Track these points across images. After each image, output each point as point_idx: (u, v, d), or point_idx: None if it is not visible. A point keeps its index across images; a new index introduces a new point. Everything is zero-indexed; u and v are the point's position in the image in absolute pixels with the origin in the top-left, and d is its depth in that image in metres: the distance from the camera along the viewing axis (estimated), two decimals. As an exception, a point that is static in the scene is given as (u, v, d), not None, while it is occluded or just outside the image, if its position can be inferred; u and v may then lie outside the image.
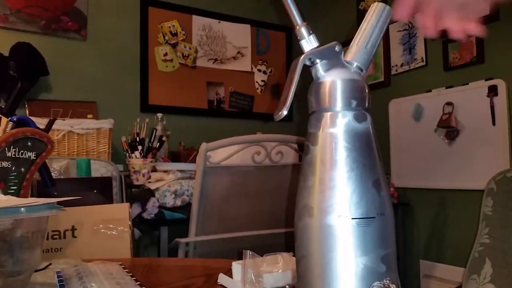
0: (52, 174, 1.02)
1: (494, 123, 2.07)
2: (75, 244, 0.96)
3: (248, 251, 0.56)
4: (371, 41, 0.40)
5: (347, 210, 0.35)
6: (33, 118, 0.92)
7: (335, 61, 0.39)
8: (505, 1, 0.49)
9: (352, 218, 0.35)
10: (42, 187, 1.25)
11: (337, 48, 0.39)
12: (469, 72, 2.18)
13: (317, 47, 0.39)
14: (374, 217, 0.35)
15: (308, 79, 0.41)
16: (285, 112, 0.37)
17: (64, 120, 1.89)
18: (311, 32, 0.39)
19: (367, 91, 0.39)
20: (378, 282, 0.55)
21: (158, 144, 2.08)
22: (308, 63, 0.39)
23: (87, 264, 0.69)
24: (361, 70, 0.39)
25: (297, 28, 0.40)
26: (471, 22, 0.46)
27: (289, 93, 0.38)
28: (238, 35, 2.90)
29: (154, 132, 2.08)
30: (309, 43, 0.39)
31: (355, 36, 0.41)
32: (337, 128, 0.37)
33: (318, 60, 0.39)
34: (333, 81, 0.38)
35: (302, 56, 0.38)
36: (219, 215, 1.52)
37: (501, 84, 2.03)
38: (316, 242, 0.36)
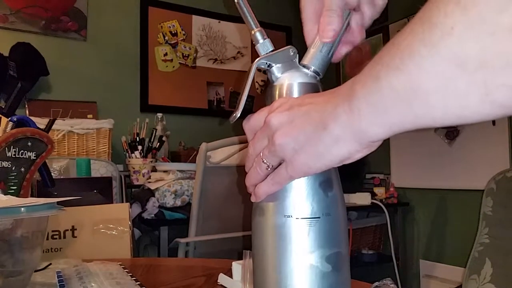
0: (52, 174, 1.02)
1: (494, 123, 2.07)
2: (75, 244, 0.96)
3: (248, 251, 0.56)
4: (326, 44, 0.40)
5: (292, 210, 0.36)
6: (33, 118, 0.92)
7: (289, 65, 0.40)
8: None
9: (296, 218, 0.36)
10: (42, 187, 1.25)
11: (291, 52, 0.40)
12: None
13: (272, 51, 0.40)
14: (319, 217, 0.36)
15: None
16: (238, 115, 0.39)
17: (64, 120, 1.89)
18: (265, 36, 0.41)
19: None
20: (378, 282, 0.55)
21: (158, 144, 2.08)
22: (264, 66, 0.40)
23: (87, 264, 0.69)
24: (317, 73, 0.40)
25: (253, 32, 0.41)
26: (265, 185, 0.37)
27: (242, 96, 0.39)
28: (238, 35, 2.90)
29: (154, 132, 2.08)
30: (263, 47, 0.40)
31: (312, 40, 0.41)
32: None
33: (273, 64, 0.40)
34: (287, 84, 0.39)
35: (256, 60, 0.40)
36: (219, 215, 1.52)
37: (501, 84, 2.03)
38: (266, 240, 0.37)
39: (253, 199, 0.39)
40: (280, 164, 0.36)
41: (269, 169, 0.37)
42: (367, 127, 0.30)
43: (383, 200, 2.37)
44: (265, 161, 0.37)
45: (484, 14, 0.23)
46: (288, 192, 0.36)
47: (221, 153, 1.43)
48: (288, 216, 0.36)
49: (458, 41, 0.24)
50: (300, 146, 0.34)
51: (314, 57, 0.40)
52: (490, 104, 0.24)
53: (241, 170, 1.51)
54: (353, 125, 0.31)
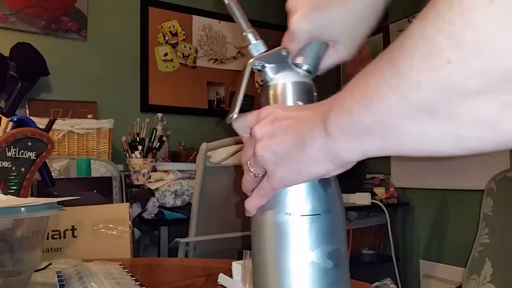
0: (52, 174, 1.02)
1: (494, 123, 2.06)
2: (75, 244, 0.96)
3: (248, 251, 0.56)
4: (317, 43, 0.41)
5: (295, 208, 0.36)
6: (33, 118, 0.92)
7: (283, 65, 0.40)
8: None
9: (299, 215, 0.36)
10: (42, 187, 1.25)
11: (284, 52, 0.41)
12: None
13: (265, 51, 0.41)
14: (319, 214, 0.36)
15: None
16: (235, 116, 0.40)
17: (64, 120, 1.89)
18: (257, 37, 0.41)
19: (314, 93, 0.40)
20: (378, 282, 0.55)
21: (158, 144, 2.08)
22: (258, 67, 0.41)
23: (87, 264, 0.69)
24: (310, 72, 0.41)
25: (245, 33, 0.42)
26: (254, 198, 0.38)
27: (238, 97, 0.40)
28: (238, 35, 2.90)
29: (154, 132, 2.08)
30: (256, 48, 0.41)
31: None
32: None
33: (266, 64, 0.40)
34: (281, 84, 0.40)
35: (250, 61, 0.40)
36: (219, 215, 1.51)
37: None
38: (267, 238, 0.37)
39: (246, 214, 0.40)
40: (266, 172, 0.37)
41: (256, 177, 0.38)
42: (342, 152, 0.31)
43: (383, 200, 2.37)
44: (251, 169, 0.38)
45: (453, 79, 0.23)
46: (288, 190, 0.37)
47: (221, 153, 1.43)
48: (289, 214, 0.36)
49: (427, 96, 0.24)
50: (279, 160, 0.35)
51: (306, 56, 0.41)
52: (461, 150, 0.25)
53: (238, 170, 1.51)
54: (328, 149, 0.32)
